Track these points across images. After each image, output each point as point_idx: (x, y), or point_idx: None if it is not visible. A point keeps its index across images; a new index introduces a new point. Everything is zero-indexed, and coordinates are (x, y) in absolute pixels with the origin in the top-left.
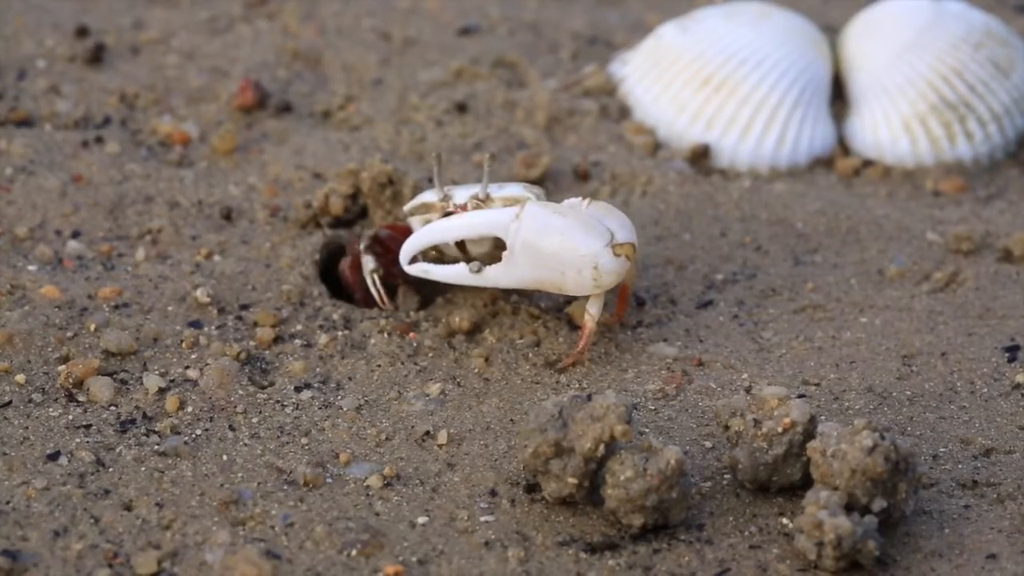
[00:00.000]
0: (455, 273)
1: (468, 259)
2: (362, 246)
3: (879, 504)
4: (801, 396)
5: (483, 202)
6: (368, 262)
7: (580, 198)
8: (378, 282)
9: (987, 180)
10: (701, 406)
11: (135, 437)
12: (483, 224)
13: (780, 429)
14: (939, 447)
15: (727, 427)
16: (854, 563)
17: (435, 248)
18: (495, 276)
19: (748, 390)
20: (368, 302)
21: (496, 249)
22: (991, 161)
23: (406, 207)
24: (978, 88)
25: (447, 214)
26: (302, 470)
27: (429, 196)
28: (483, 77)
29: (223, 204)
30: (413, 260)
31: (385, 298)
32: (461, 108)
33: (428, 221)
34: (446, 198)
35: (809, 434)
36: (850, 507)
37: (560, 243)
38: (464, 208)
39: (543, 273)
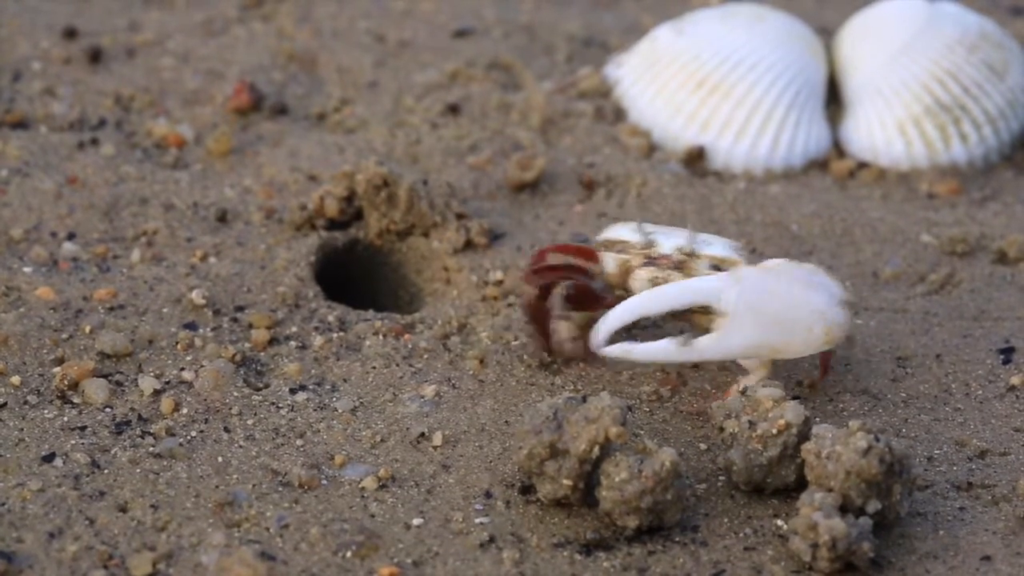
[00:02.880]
0: (661, 351)
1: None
2: (556, 313)
3: (874, 506)
4: (795, 398)
5: (689, 256)
6: (562, 329)
7: (785, 261)
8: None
9: (982, 182)
10: (696, 408)
11: (130, 439)
12: (694, 292)
13: (775, 431)
14: (934, 449)
15: (722, 429)
16: (849, 565)
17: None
18: (707, 348)
19: (743, 392)
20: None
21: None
22: (986, 163)
23: (599, 237)
24: (973, 90)
25: (648, 260)
26: (297, 472)
27: (628, 233)
28: (478, 79)
29: (218, 206)
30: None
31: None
32: (456, 110)
33: (624, 262)
34: (649, 244)
35: (804, 436)
36: (845, 509)
37: (789, 301)
38: (668, 259)
39: (767, 336)
